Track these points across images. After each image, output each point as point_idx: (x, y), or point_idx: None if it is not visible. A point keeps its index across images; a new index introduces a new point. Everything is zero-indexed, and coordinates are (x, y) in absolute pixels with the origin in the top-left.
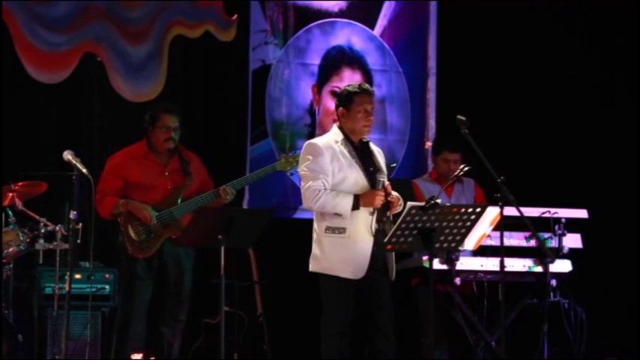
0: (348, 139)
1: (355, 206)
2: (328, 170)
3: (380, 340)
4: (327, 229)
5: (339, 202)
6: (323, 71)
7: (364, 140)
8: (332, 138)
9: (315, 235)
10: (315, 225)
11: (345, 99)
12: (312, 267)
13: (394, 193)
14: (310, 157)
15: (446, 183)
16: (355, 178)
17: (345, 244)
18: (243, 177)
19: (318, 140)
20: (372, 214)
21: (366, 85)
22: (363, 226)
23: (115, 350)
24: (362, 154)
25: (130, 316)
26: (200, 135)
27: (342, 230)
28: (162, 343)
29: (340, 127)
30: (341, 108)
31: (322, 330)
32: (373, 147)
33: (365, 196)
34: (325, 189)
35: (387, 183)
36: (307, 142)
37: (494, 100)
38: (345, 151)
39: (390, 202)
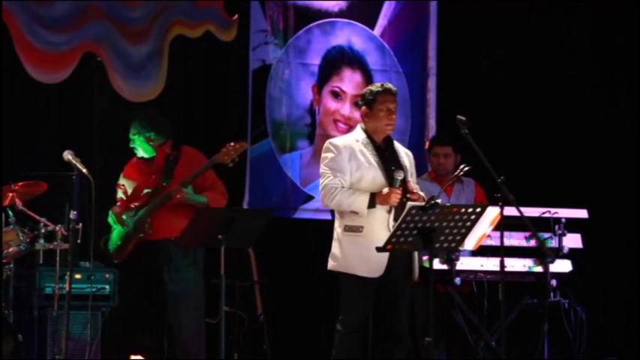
0: (370, 139)
1: (371, 204)
2: (345, 169)
3: (392, 342)
4: (346, 227)
5: (354, 200)
6: (323, 71)
7: (388, 139)
8: (353, 137)
9: (335, 234)
10: (335, 224)
11: (368, 98)
12: (331, 265)
13: (420, 193)
14: (329, 155)
15: (445, 182)
16: (373, 176)
17: (362, 242)
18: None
19: (338, 139)
20: (389, 212)
21: (389, 85)
22: (380, 225)
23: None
24: (383, 154)
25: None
26: (200, 135)
27: (359, 229)
28: (162, 344)
29: (363, 128)
30: (364, 107)
31: (337, 328)
32: (399, 147)
33: (381, 193)
34: (342, 187)
35: (409, 180)
36: (327, 140)
37: (494, 100)
38: (365, 150)
39: (410, 200)
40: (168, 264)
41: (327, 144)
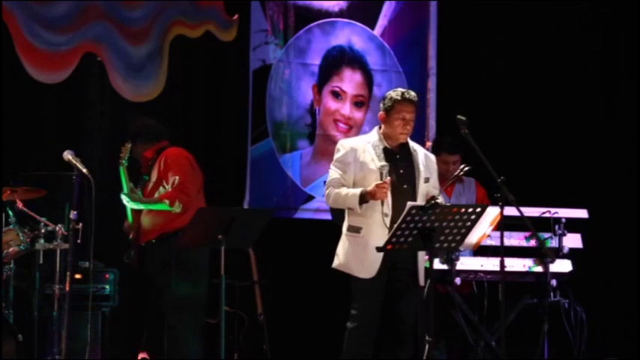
0: (382, 142)
1: (362, 200)
2: (348, 168)
3: (396, 342)
4: (349, 227)
5: (347, 197)
6: (323, 71)
7: (404, 143)
8: (365, 138)
9: (342, 233)
10: (344, 222)
11: (387, 104)
12: (333, 263)
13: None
14: (336, 154)
15: (445, 183)
16: (375, 178)
17: (359, 243)
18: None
19: (349, 139)
20: (385, 215)
21: (410, 94)
22: (376, 226)
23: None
24: (392, 157)
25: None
26: (200, 135)
27: (358, 230)
28: (162, 343)
29: (380, 130)
30: (382, 112)
31: (347, 327)
32: (419, 151)
33: (370, 189)
34: (341, 185)
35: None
36: (340, 140)
37: (494, 100)
38: (373, 152)
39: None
40: (154, 262)
41: (338, 143)
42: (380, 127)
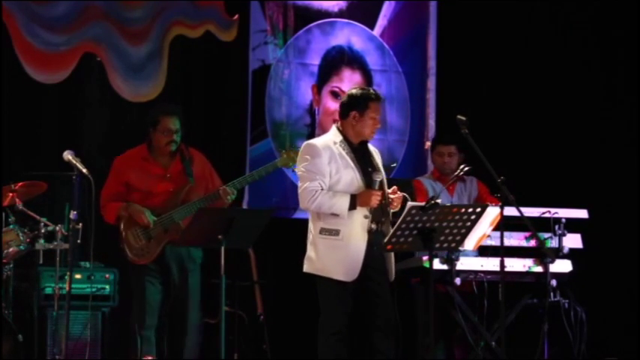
0: (346, 141)
1: (352, 206)
2: (325, 171)
3: (379, 340)
4: (322, 230)
5: (335, 202)
6: (323, 71)
7: (363, 141)
8: (330, 139)
9: (310, 237)
10: (310, 226)
11: (361, 103)
12: (307, 268)
13: (400, 194)
14: (308, 157)
15: (447, 181)
16: (351, 178)
17: (338, 246)
18: (244, 176)
19: (317, 141)
20: (366, 217)
21: (380, 92)
22: (357, 229)
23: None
24: (360, 155)
25: (143, 321)
26: (200, 135)
27: (336, 232)
28: (162, 345)
29: (339, 129)
30: (354, 111)
31: (319, 331)
32: (370, 147)
33: (361, 195)
34: (322, 189)
35: (394, 188)
36: (305, 142)
37: (494, 100)
38: (343, 153)
39: (390, 200)
40: (178, 265)
41: (305, 145)
42: (339, 126)
